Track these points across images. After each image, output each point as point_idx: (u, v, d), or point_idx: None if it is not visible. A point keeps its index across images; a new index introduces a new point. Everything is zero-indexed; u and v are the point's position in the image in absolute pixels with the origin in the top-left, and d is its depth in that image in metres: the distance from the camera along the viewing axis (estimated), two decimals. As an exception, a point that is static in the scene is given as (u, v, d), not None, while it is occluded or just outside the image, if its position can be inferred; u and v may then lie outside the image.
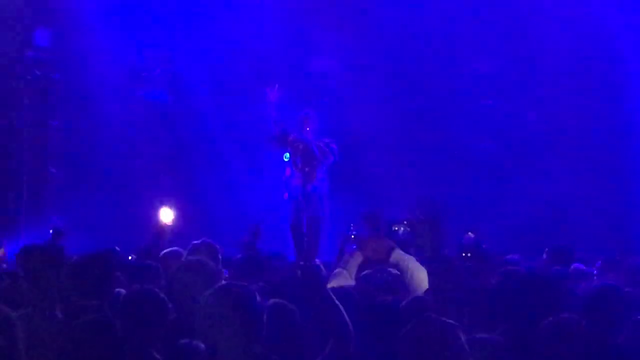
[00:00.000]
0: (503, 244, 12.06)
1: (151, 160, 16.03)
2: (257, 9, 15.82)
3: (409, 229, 5.47)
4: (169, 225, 13.26)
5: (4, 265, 10.33)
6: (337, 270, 7.27)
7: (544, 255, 9.94)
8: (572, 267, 9.33)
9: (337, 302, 5.67)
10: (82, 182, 15.61)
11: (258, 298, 5.15)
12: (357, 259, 7.18)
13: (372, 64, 15.84)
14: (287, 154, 13.40)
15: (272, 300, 5.93)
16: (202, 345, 5.08)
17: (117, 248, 9.77)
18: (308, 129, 13.23)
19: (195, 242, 7.58)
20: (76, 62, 15.37)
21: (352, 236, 8.29)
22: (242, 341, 4.98)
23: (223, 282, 5.56)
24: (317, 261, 11.11)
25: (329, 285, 6.58)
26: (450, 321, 4.92)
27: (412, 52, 15.80)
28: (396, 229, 5.44)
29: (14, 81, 14.60)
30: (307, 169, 13.31)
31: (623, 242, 12.73)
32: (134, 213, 15.20)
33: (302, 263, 6.11)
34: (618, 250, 11.07)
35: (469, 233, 6.97)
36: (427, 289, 6.48)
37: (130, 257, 10.33)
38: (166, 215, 13.53)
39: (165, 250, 8.40)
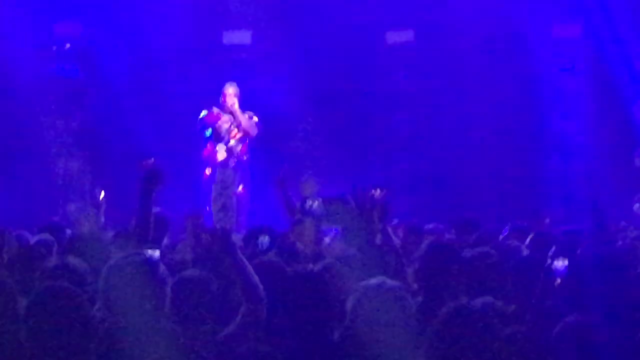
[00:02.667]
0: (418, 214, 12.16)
1: (62, 135, 15.85)
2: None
3: (322, 205, 5.44)
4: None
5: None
6: None
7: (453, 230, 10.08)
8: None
9: (248, 265, 5.67)
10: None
11: (162, 268, 5.12)
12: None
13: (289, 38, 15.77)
14: (209, 130, 13.40)
15: (187, 271, 5.91)
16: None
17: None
18: (235, 102, 13.25)
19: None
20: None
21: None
22: (145, 314, 4.94)
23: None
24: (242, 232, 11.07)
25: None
26: None
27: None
28: (310, 204, 5.40)
29: None
30: (231, 142, 13.34)
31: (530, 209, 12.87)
32: (49, 187, 15.09)
33: (211, 230, 6.07)
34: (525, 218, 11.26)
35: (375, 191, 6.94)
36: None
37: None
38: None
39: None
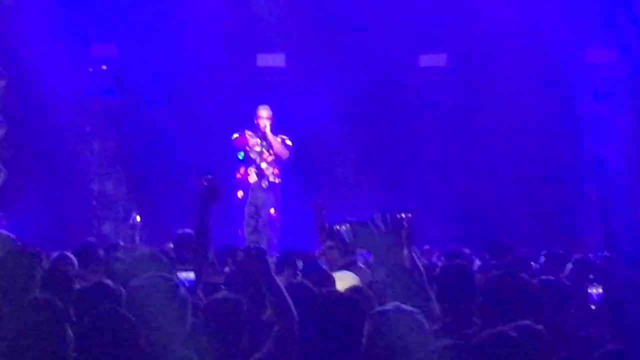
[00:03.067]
0: (452, 240, 12.13)
1: (100, 156, 15.96)
2: (206, 3, 15.74)
3: (350, 229, 5.42)
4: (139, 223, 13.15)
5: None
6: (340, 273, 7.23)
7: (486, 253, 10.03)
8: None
9: (281, 286, 5.65)
10: (29, 179, 15.44)
11: (182, 291, 5.11)
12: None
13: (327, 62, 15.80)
14: (242, 153, 13.46)
15: (219, 293, 5.90)
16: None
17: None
18: (267, 124, 13.30)
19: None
20: (21, 58, 15.19)
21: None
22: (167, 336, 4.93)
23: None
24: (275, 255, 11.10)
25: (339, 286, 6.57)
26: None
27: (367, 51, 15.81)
28: (337, 228, 5.39)
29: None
30: (263, 165, 13.38)
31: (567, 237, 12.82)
32: (84, 209, 15.19)
33: (245, 248, 6.05)
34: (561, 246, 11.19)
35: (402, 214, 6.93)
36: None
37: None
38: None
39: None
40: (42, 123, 15.43)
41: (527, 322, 5.05)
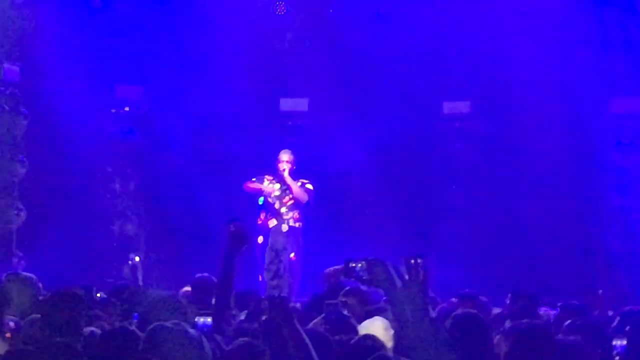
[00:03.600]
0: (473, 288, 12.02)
1: (121, 197, 15.98)
2: (231, 47, 15.80)
3: (365, 267, 5.36)
4: (139, 264, 13.15)
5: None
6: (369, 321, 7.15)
7: (507, 300, 9.93)
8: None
9: (305, 337, 5.58)
10: (49, 219, 15.46)
11: (200, 337, 5.05)
12: None
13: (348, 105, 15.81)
14: (262, 198, 13.46)
15: (240, 340, 5.83)
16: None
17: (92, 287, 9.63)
18: (286, 168, 13.30)
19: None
20: (44, 98, 15.26)
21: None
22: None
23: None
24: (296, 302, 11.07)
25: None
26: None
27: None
28: (353, 265, 5.32)
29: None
30: (282, 209, 13.35)
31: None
32: (104, 250, 15.17)
33: (269, 297, 6.02)
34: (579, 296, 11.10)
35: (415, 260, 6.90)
36: None
37: (99, 295, 10.19)
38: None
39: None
40: (63, 163, 15.47)
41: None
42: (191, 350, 5.06)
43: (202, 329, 6.22)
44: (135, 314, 6.67)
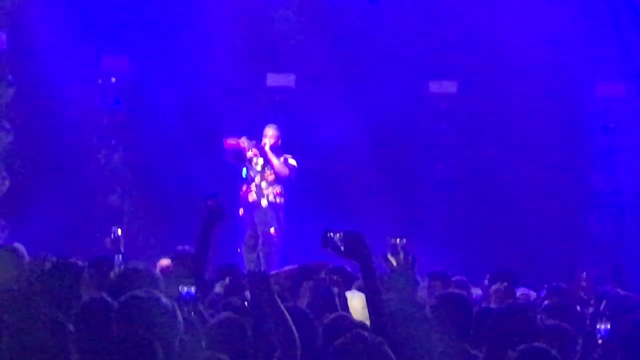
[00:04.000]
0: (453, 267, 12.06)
1: (106, 168, 15.97)
2: (218, 20, 15.76)
3: (342, 238, 5.36)
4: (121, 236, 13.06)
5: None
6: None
7: (485, 281, 9.97)
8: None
9: (286, 313, 5.61)
10: (33, 188, 15.44)
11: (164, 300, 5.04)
12: None
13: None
14: (245, 170, 13.44)
15: (224, 314, 5.85)
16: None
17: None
18: (267, 142, 13.29)
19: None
20: (31, 66, 15.21)
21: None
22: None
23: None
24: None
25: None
26: (378, 338, 4.89)
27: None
28: (331, 235, 5.31)
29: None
30: (263, 184, 13.33)
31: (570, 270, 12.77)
32: (87, 220, 15.16)
33: (250, 272, 6.06)
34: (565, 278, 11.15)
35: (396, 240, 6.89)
36: None
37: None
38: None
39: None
40: (49, 133, 15.42)
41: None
42: (164, 319, 5.03)
43: (186, 297, 6.27)
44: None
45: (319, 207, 14.22)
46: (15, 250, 7.51)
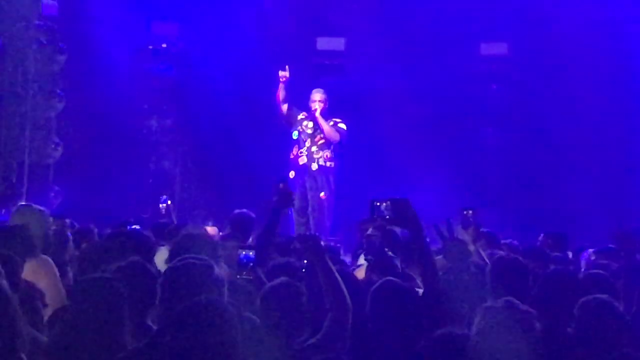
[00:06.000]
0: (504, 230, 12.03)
1: (157, 134, 16.09)
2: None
3: (390, 206, 5.36)
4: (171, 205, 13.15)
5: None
6: None
7: (539, 242, 9.94)
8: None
9: (337, 274, 5.63)
10: (86, 155, 15.57)
11: (216, 270, 5.05)
12: None
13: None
14: (296, 132, 13.38)
15: (280, 280, 5.86)
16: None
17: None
18: (317, 108, 13.24)
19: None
20: (81, 33, 15.30)
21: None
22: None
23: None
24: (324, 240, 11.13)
25: None
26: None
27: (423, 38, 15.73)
28: (378, 204, 5.31)
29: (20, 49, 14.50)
30: (313, 148, 13.30)
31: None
32: (140, 186, 15.28)
33: (300, 236, 6.13)
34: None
35: (468, 212, 6.86)
36: None
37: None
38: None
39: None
40: (100, 99, 15.52)
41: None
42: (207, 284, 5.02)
43: (245, 260, 6.37)
44: None
45: (369, 172, 14.22)
46: (41, 211, 7.50)
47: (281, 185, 7.28)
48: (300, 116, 13.37)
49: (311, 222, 13.04)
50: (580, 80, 15.27)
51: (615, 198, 14.96)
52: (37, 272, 6.42)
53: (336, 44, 15.82)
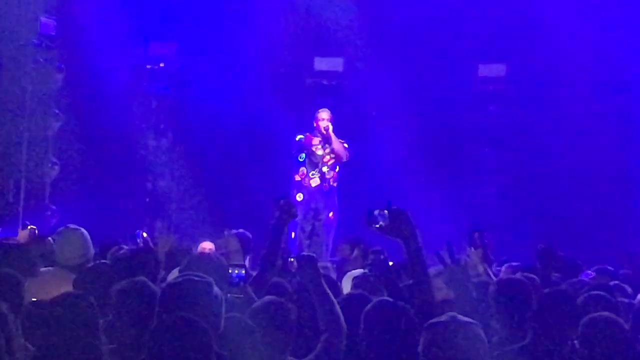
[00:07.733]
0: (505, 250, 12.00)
1: (154, 153, 16.08)
2: (266, 5, 15.77)
3: (387, 215, 5.31)
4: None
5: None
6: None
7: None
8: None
9: (332, 297, 5.60)
10: (83, 174, 15.55)
11: (215, 289, 4.99)
12: None
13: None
14: (303, 155, 13.34)
15: (267, 298, 5.84)
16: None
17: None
18: (329, 125, 13.19)
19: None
20: (80, 52, 15.30)
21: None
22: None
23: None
24: (330, 262, 11.12)
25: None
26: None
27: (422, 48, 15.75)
28: (375, 213, 5.26)
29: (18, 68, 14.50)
30: (324, 168, 13.29)
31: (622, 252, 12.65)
32: (137, 206, 15.25)
33: (298, 256, 6.09)
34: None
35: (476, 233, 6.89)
36: None
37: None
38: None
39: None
40: (98, 118, 15.50)
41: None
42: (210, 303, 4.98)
43: (236, 279, 6.32)
44: None
45: (367, 192, 14.19)
46: (81, 231, 7.67)
47: (282, 201, 7.15)
48: (315, 140, 13.34)
49: (316, 242, 13.03)
50: (578, 102, 15.28)
51: (616, 217, 14.94)
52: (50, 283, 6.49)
53: (334, 64, 15.81)
